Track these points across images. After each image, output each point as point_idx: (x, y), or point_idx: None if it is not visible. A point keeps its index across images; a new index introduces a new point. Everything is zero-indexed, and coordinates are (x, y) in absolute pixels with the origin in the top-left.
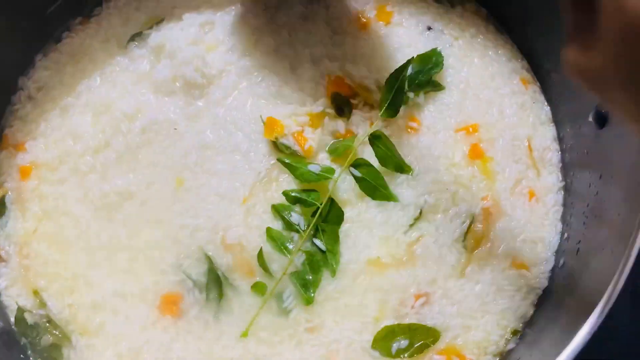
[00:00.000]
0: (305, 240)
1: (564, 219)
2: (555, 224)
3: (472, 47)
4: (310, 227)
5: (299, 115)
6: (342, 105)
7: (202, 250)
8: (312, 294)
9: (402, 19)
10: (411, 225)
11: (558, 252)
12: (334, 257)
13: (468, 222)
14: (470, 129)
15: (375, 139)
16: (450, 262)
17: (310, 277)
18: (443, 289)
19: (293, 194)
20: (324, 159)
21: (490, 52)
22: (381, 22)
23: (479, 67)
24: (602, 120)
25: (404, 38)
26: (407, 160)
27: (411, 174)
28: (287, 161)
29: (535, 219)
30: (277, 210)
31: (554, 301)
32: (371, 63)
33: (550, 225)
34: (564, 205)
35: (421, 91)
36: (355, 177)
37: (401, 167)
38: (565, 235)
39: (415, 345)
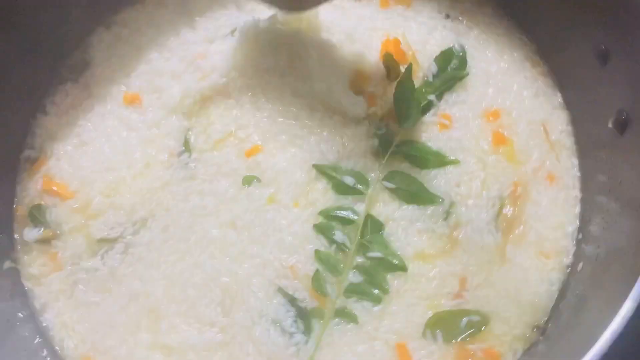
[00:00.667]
0: (354, 257)
1: (582, 207)
2: (575, 208)
3: (488, 37)
4: (355, 244)
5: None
6: (390, 67)
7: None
8: (382, 294)
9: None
10: (446, 215)
11: (579, 244)
12: (395, 257)
13: (498, 205)
14: (493, 115)
15: (403, 146)
16: (489, 246)
17: (372, 286)
18: (485, 274)
19: (331, 214)
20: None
21: (504, 42)
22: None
23: (495, 54)
24: (622, 125)
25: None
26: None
27: (441, 202)
28: (325, 170)
29: (556, 202)
30: (320, 229)
31: (575, 297)
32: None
33: (570, 208)
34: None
35: (444, 93)
36: (391, 190)
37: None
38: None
39: (465, 332)
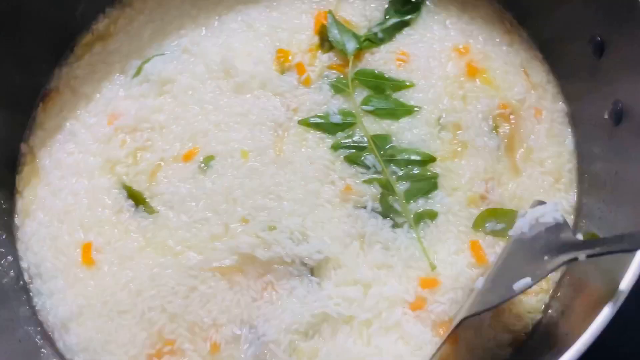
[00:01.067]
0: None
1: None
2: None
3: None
4: (382, 161)
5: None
6: (326, 39)
7: None
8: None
9: None
10: (439, 124)
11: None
12: (418, 153)
13: (491, 119)
14: (462, 50)
15: (361, 75)
16: (495, 151)
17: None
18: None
19: (343, 145)
20: (322, 86)
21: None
22: None
23: (459, 10)
24: (618, 116)
25: None
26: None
27: (413, 85)
28: (312, 121)
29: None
30: (350, 160)
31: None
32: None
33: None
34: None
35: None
36: (371, 112)
37: (399, 85)
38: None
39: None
